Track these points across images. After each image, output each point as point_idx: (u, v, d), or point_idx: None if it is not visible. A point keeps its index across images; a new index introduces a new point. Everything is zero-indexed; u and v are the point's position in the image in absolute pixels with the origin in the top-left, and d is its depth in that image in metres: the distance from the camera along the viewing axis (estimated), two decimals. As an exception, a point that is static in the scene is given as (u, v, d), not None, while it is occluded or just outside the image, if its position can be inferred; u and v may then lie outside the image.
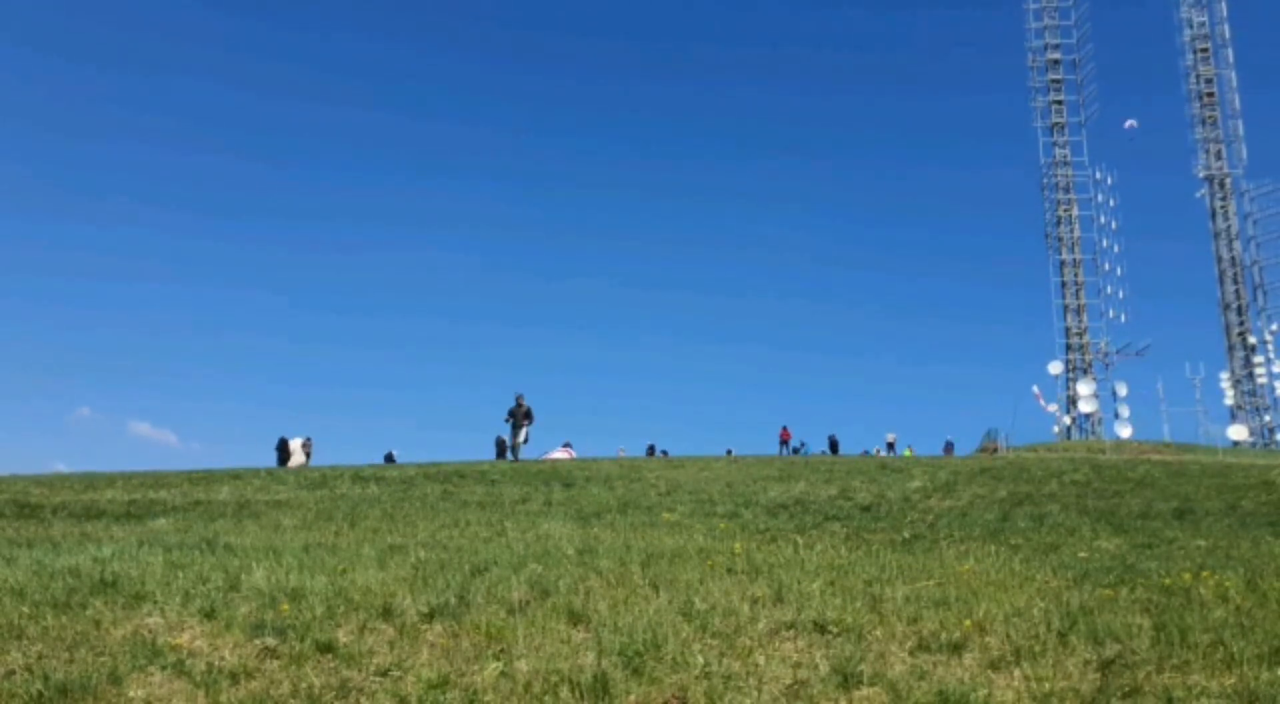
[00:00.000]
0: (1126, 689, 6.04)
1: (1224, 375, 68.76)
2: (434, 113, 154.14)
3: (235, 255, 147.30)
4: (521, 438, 32.18)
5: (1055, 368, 62.64)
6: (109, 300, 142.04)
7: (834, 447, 50.75)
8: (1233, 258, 69.28)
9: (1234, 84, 69.48)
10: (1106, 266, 62.89)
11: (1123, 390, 60.95)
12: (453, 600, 7.78)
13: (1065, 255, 64.27)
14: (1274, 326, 68.16)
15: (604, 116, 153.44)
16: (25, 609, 7.29)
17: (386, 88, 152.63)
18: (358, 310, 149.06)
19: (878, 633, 7.14)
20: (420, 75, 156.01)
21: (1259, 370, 67.68)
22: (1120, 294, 62.24)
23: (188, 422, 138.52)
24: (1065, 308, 64.19)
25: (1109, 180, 63.32)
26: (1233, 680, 6.08)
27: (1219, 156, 69.31)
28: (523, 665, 6.41)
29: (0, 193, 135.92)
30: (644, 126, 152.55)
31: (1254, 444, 63.88)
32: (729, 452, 43.00)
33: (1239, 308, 69.02)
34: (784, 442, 49.80)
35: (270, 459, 36.49)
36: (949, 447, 50.02)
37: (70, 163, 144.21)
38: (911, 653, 6.78)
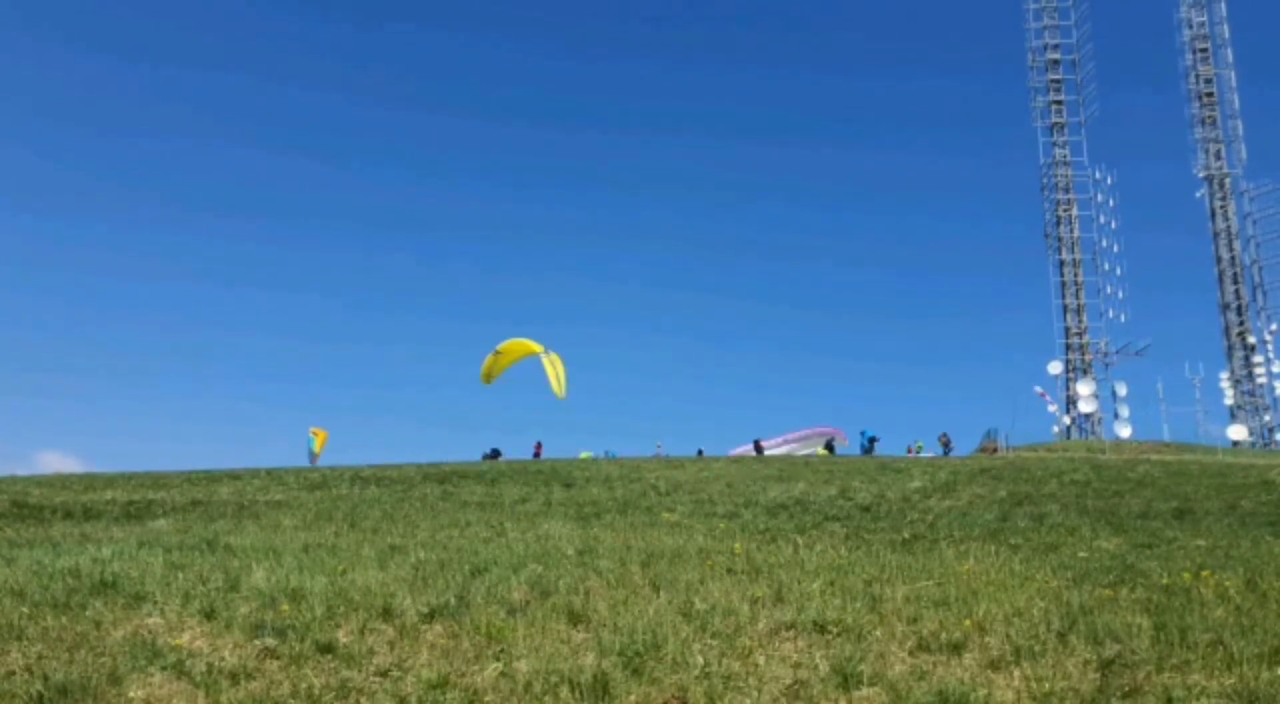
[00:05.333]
0: (1126, 689, 6.04)
1: (1224, 375, 68.69)
2: (429, 107, 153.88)
3: (231, 255, 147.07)
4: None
5: (1055, 368, 62.59)
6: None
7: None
8: (1232, 258, 69.24)
9: (1234, 84, 69.42)
10: (1106, 266, 62.89)
11: (1122, 390, 60.90)
12: (453, 601, 7.79)
13: (1065, 255, 64.27)
14: (1274, 326, 68.07)
15: (603, 110, 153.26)
16: (25, 610, 7.30)
17: (382, 79, 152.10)
18: (356, 311, 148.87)
19: (878, 633, 7.15)
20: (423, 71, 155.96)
21: (1259, 370, 67.60)
22: (1120, 294, 62.24)
23: (190, 421, 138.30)
24: (1065, 308, 64.17)
25: (1109, 180, 63.31)
26: (1233, 680, 6.08)
27: (1219, 156, 69.25)
28: (523, 665, 6.42)
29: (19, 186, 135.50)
30: (640, 115, 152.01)
31: (1254, 444, 63.82)
32: (699, 451, 41.81)
33: (1239, 308, 68.99)
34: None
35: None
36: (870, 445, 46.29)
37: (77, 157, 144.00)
38: (911, 653, 6.78)
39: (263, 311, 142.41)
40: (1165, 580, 8.75)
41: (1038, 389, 55.08)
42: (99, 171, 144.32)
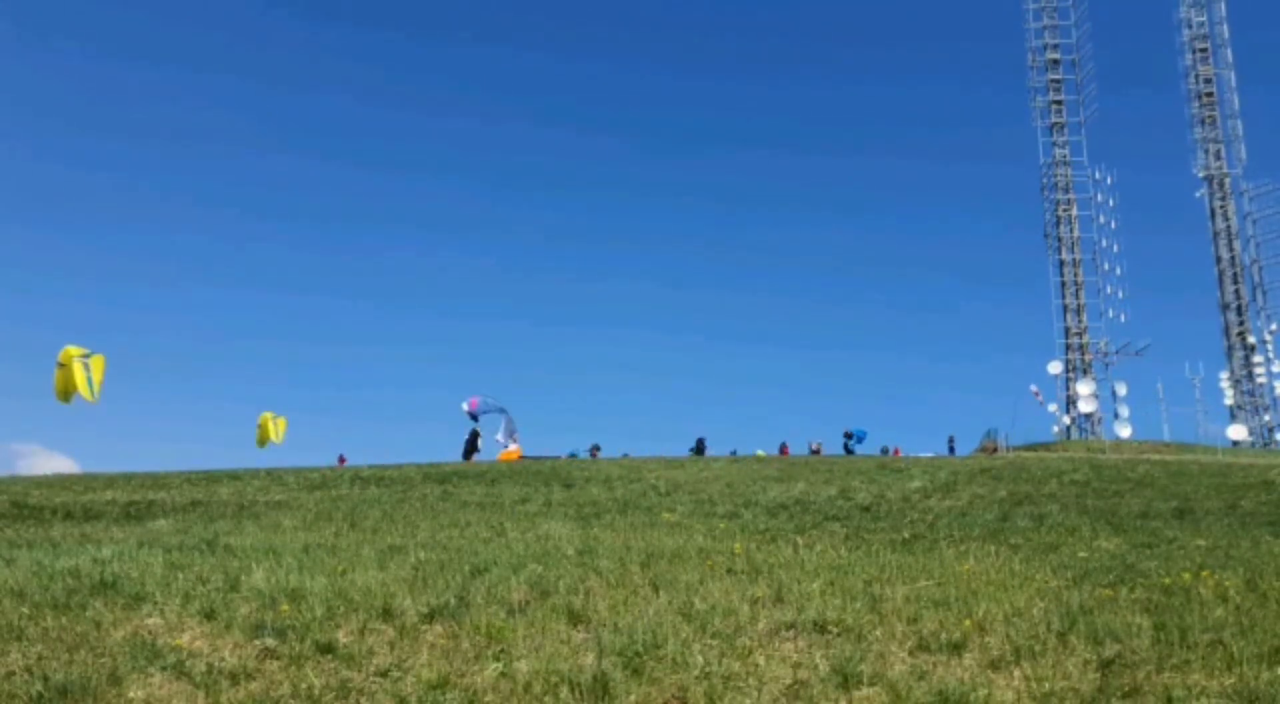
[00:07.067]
0: (1126, 689, 6.04)
1: (1224, 375, 68.64)
2: (440, 109, 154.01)
3: (231, 256, 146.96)
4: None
5: (1055, 368, 62.53)
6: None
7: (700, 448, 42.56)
8: (1232, 258, 69.21)
9: (1233, 84, 69.39)
10: (1106, 266, 62.83)
11: (1122, 390, 60.83)
12: (453, 601, 7.79)
13: (1065, 255, 64.21)
14: (1274, 326, 68.02)
15: (608, 112, 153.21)
16: (25, 610, 7.30)
17: (387, 80, 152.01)
18: (366, 311, 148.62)
19: (878, 633, 7.15)
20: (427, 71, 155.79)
21: (1259, 370, 67.55)
22: (1120, 294, 62.18)
23: (189, 423, 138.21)
24: (1065, 308, 64.07)
25: (1108, 180, 63.24)
26: (1233, 680, 6.08)
27: (1218, 156, 69.23)
28: (523, 666, 6.42)
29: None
30: (646, 120, 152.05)
31: (1254, 444, 63.80)
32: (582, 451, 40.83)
33: (1239, 308, 68.96)
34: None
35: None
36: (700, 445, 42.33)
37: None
38: (911, 653, 6.78)
39: (263, 313, 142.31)
40: (1165, 580, 8.75)
41: (1033, 388, 55.04)
42: (102, 175, 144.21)
